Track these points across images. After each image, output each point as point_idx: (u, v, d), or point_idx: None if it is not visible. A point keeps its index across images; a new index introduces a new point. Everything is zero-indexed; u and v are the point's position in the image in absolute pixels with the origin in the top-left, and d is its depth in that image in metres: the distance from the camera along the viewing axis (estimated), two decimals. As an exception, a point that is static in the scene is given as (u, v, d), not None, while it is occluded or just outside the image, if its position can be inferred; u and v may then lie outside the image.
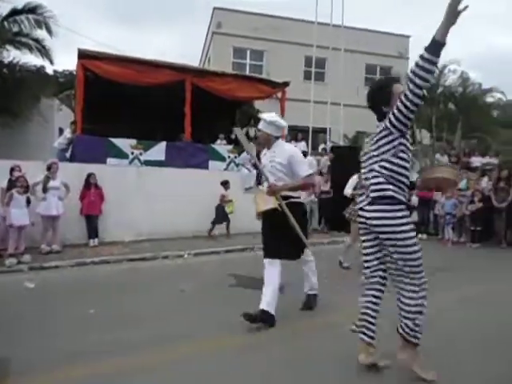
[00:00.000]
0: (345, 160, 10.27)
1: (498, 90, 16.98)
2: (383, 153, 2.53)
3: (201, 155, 9.42)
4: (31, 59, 14.32)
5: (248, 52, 18.88)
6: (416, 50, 26.07)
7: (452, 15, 2.16)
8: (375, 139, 2.61)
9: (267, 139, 3.72)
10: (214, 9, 18.74)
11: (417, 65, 2.27)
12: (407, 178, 2.54)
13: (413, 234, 2.52)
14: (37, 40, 12.56)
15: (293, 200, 3.67)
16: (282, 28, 18.67)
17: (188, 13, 73.42)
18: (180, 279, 5.31)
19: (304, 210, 3.92)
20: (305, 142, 13.03)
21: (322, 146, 13.29)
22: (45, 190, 6.83)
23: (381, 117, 2.64)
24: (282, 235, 3.57)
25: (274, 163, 3.65)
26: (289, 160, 3.59)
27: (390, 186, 2.49)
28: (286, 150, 3.68)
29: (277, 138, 3.74)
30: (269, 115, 3.75)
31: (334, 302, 4.22)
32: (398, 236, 2.48)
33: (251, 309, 3.52)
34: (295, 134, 13.24)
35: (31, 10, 11.96)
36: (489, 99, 18.03)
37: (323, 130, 14.94)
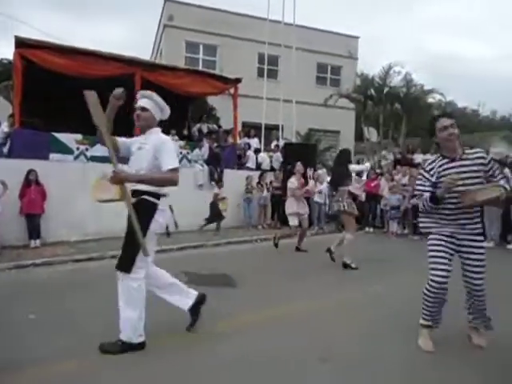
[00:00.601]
0: (297, 157, 10.49)
1: (439, 91, 18.09)
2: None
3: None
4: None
5: (201, 46, 18.62)
6: (365, 51, 27.10)
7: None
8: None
9: (150, 121, 3.14)
10: (166, 1, 18.27)
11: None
12: None
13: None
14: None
15: (146, 197, 2.98)
16: (235, 23, 18.60)
17: (140, 2, 71.00)
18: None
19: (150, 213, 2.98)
20: (257, 138, 13.11)
21: (274, 143, 13.44)
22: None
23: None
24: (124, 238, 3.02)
25: (142, 150, 3.04)
26: (159, 147, 2.97)
27: None
28: (161, 138, 3.07)
29: (157, 123, 3.20)
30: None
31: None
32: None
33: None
34: (248, 130, 13.29)
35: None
36: (430, 100, 19.16)
37: (276, 127, 15.13)
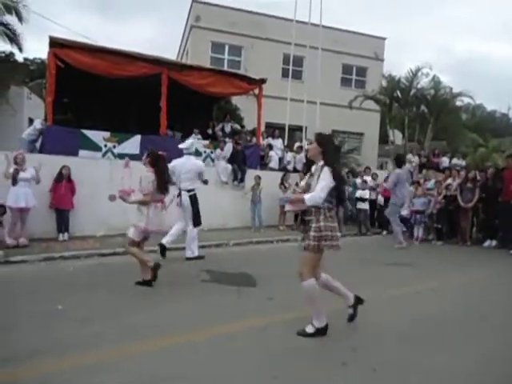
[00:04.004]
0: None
1: (467, 94, 17.59)
2: None
3: (177, 149, 9.31)
4: (-1, 45, 13.73)
5: (226, 47, 18.76)
6: (391, 52, 26.65)
7: None
8: None
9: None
10: (193, 2, 18.50)
11: None
12: None
13: None
14: (6, 25, 12.06)
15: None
16: (261, 24, 18.65)
17: (168, 3, 72.12)
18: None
19: None
20: (281, 139, 13.11)
21: (297, 144, 13.41)
22: (14, 182, 6.61)
23: None
24: None
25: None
26: None
27: None
28: None
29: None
30: None
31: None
32: None
33: (224, 304, 3.53)
34: (272, 131, 13.31)
35: (0, -6, 11.50)
36: (458, 103, 18.68)
37: (299, 128, 15.08)
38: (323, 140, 3.40)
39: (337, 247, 3.26)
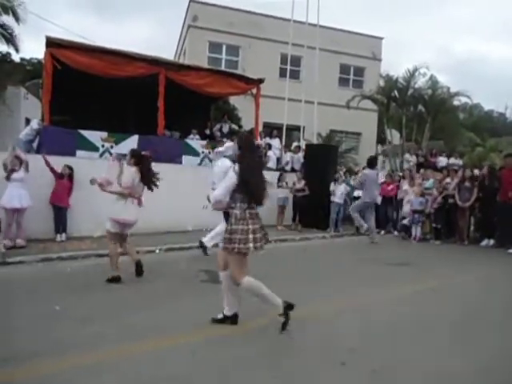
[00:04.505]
0: (318, 158, 10.46)
1: (465, 93, 17.61)
2: None
3: (174, 150, 9.31)
4: (-5, 46, 13.67)
5: (224, 47, 18.75)
6: (389, 52, 26.67)
7: None
8: None
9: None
10: (190, 1, 18.47)
11: None
12: None
13: None
14: (2, 26, 12.01)
15: None
16: (259, 24, 18.64)
17: (166, 3, 72.00)
18: (150, 274, 5.24)
19: None
20: (279, 138, 13.10)
21: (295, 144, 13.40)
22: (8, 179, 6.57)
23: None
24: None
25: None
26: None
27: None
28: None
29: None
30: None
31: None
32: None
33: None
34: (270, 130, 13.29)
35: (-3, -6, 11.44)
36: (455, 102, 18.70)
37: (297, 128, 15.07)
38: (242, 141, 3.49)
39: (246, 250, 3.26)
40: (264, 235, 3.40)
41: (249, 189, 3.28)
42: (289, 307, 3.22)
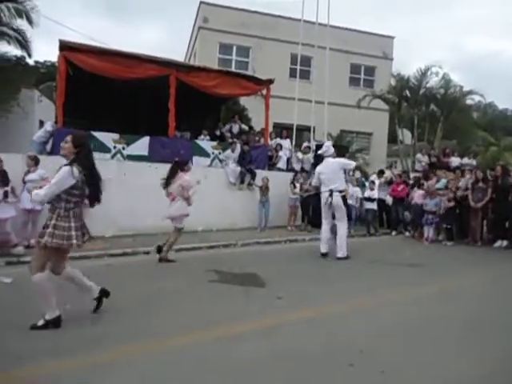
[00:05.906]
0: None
1: (478, 92, 17.35)
2: None
3: (185, 151, 9.38)
4: (9, 49, 13.96)
5: (234, 48, 18.80)
6: (400, 51, 26.45)
7: None
8: None
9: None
10: (201, 3, 18.56)
11: None
12: None
13: None
14: (16, 30, 12.24)
15: None
16: (269, 25, 18.64)
17: (176, 5, 72.48)
18: (160, 274, 5.31)
19: None
20: (289, 139, 13.07)
21: (305, 144, 13.35)
22: (23, 182, 6.71)
23: None
24: None
25: None
26: None
27: None
28: None
29: None
30: None
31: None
32: None
33: (232, 304, 3.55)
34: (280, 131, 13.27)
35: (12, -2, 11.68)
36: (469, 101, 18.43)
37: (307, 128, 15.02)
38: (78, 141, 3.49)
39: (68, 246, 3.38)
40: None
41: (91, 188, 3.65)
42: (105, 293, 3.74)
